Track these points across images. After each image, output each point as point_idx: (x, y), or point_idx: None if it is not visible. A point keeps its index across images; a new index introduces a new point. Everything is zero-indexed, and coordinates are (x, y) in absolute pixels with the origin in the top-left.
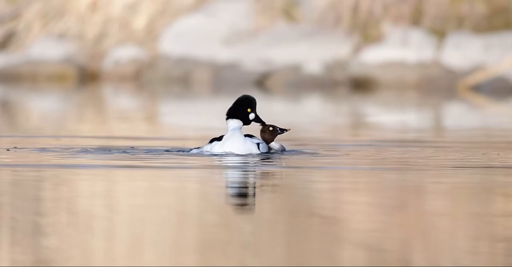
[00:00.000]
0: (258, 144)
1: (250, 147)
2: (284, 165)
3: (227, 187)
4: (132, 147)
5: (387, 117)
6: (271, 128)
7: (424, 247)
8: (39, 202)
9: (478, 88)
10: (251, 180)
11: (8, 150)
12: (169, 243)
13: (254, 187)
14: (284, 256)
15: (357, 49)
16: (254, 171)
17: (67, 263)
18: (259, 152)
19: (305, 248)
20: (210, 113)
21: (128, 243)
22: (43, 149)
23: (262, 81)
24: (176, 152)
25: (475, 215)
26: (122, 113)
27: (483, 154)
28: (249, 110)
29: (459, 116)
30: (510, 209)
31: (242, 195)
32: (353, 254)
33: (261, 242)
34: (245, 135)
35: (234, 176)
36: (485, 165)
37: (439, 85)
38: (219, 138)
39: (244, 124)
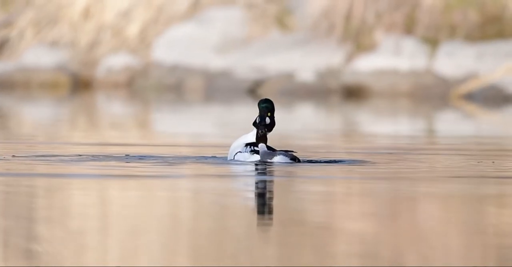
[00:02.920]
0: (239, 152)
1: (231, 153)
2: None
3: (220, 195)
4: (127, 155)
5: (379, 125)
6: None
7: (416, 256)
8: (31, 213)
9: (470, 97)
10: (241, 188)
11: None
12: (162, 252)
13: (247, 195)
14: (278, 261)
15: (349, 57)
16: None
17: None
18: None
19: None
20: (203, 120)
21: (122, 253)
22: (35, 157)
23: (254, 89)
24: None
25: (468, 224)
26: (115, 121)
27: (478, 162)
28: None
29: (452, 124)
30: (503, 218)
31: (233, 204)
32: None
33: (254, 249)
34: (249, 143)
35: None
36: (479, 174)
37: (431, 94)
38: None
39: (259, 131)
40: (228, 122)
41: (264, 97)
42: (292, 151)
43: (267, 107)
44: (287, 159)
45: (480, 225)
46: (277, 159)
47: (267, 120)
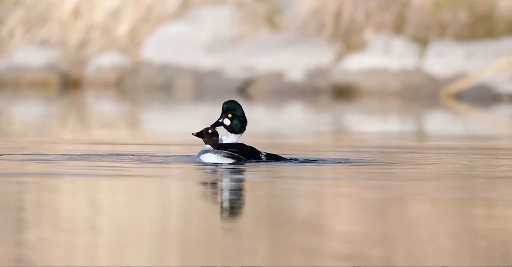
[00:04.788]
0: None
1: None
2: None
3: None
4: (118, 154)
5: (369, 124)
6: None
7: (405, 256)
8: (19, 212)
9: (460, 96)
10: (228, 188)
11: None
12: (152, 252)
13: (233, 195)
14: (267, 262)
15: (339, 57)
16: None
17: None
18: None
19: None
20: (192, 119)
21: (110, 252)
22: (25, 156)
23: (244, 88)
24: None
25: (458, 224)
26: (104, 120)
27: (470, 161)
28: None
29: (442, 123)
30: (493, 219)
31: (219, 205)
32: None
33: (244, 251)
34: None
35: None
36: (470, 173)
37: (421, 93)
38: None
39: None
40: None
41: (229, 99)
42: (240, 148)
43: (227, 108)
44: (215, 159)
45: (471, 225)
46: (204, 159)
47: (226, 121)
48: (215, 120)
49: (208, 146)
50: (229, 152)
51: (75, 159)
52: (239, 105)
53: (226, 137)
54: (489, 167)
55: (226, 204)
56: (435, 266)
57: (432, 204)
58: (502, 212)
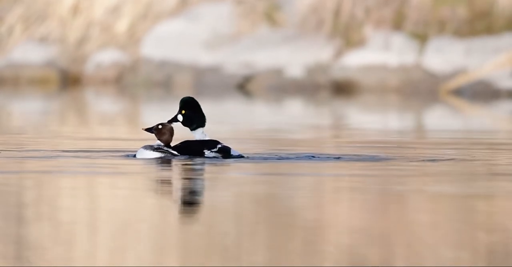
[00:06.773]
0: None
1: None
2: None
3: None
4: (133, 154)
5: (368, 120)
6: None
7: (406, 254)
8: (17, 211)
9: (459, 92)
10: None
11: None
12: (151, 251)
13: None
14: (263, 261)
15: (339, 53)
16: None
17: None
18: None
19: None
20: None
21: (110, 250)
22: (24, 153)
23: (243, 85)
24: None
25: (458, 221)
26: (104, 116)
27: (471, 157)
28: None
29: (441, 119)
30: (494, 215)
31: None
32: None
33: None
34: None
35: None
36: (468, 168)
37: (420, 89)
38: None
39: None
40: (217, 118)
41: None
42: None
43: (182, 105)
44: (145, 155)
45: (471, 222)
46: (138, 155)
47: (179, 117)
48: (172, 118)
49: (158, 142)
50: (157, 147)
51: (74, 156)
52: (194, 101)
53: (196, 134)
54: (489, 163)
55: (210, 203)
56: (435, 265)
57: (432, 200)
58: (502, 208)
